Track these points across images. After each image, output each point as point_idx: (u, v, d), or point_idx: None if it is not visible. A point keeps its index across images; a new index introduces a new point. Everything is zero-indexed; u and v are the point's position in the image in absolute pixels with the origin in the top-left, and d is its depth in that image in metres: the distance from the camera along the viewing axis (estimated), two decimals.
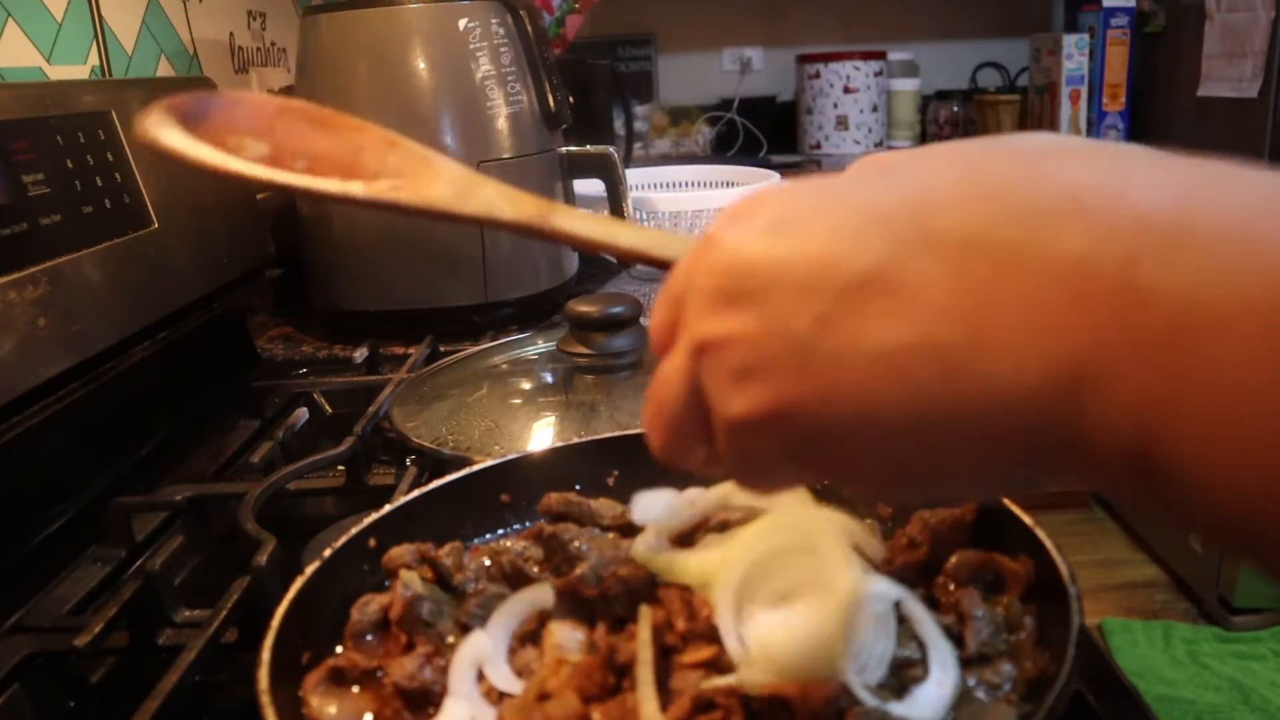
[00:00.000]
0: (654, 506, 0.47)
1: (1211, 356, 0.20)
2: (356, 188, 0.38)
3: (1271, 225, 0.20)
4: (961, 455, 0.25)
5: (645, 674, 0.38)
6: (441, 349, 1.02)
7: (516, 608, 0.44)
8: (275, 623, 0.41)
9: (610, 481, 0.58)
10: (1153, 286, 0.21)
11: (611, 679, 0.40)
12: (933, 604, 0.43)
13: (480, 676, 0.41)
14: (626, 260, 0.37)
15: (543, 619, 0.44)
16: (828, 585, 0.39)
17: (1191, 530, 0.23)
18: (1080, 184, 0.23)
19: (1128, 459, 0.22)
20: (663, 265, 0.36)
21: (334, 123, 0.41)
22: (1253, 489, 0.19)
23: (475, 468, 0.55)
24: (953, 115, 2.73)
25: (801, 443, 0.27)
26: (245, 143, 0.39)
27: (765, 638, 0.38)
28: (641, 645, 0.40)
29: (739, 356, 0.27)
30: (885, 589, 0.40)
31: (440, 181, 0.39)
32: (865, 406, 0.25)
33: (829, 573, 0.41)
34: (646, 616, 0.41)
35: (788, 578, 0.41)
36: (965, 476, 0.27)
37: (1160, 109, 2.39)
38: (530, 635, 0.43)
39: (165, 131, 0.39)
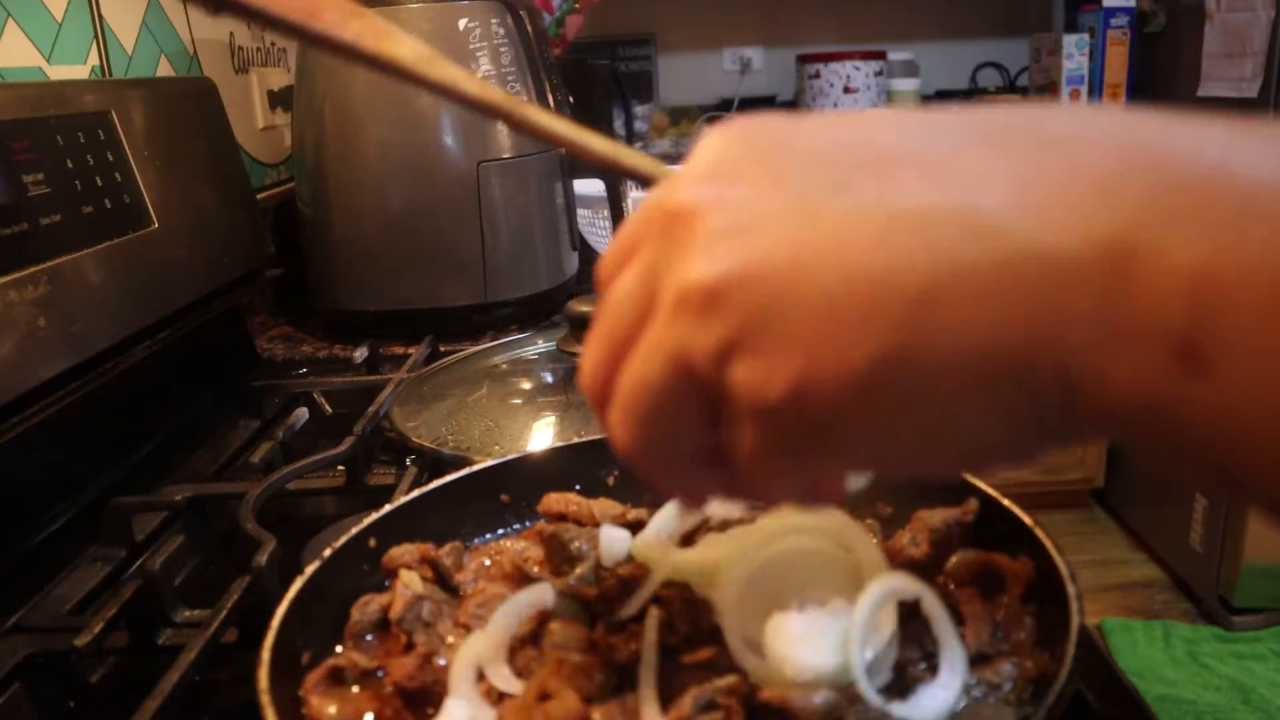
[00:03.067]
0: (617, 541, 0.47)
1: (1269, 222, 0.19)
2: (316, 23, 0.36)
3: None
4: (954, 345, 0.21)
5: (648, 675, 0.38)
6: (441, 349, 1.02)
7: (516, 608, 0.44)
8: (275, 623, 0.41)
9: (610, 481, 0.58)
10: (1205, 157, 0.20)
11: (612, 679, 0.40)
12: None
13: (480, 676, 0.41)
14: (595, 165, 0.36)
15: (543, 619, 0.44)
16: (853, 592, 0.39)
17: (1220, 468, 0.21)
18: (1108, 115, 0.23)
19: (1174, 342, 0.20)
20: (636, 177, 0.35)
21: None
22: None
23: (475, 468, 0.55)
24: None
25: (765, 319, 0.22)
26: None
27: (781, 641, 0.38)
28: (647, 647, 0.40)
29: (717, 219, 0.23)
30: (906, 585, 0.40)
31: (403, 48, 0.38)
32: (859, 270, 0.22)
33: (856, 578, 0.41)
34: (654, 619, 0.41)
35: (805, 580, 0.41)
36: (949, 387, 0.22)
37: (1160, 109, 2.39)
38: (530, 635, 0.43)
39: None
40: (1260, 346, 0.19)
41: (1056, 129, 0.22)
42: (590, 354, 0.27)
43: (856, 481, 0.37)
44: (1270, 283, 0.18)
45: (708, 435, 0.26)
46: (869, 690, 0.36)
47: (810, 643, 0.38)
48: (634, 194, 1.21)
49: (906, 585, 0.40)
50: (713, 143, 0.25)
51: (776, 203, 0.23)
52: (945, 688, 0.38)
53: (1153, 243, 0.20)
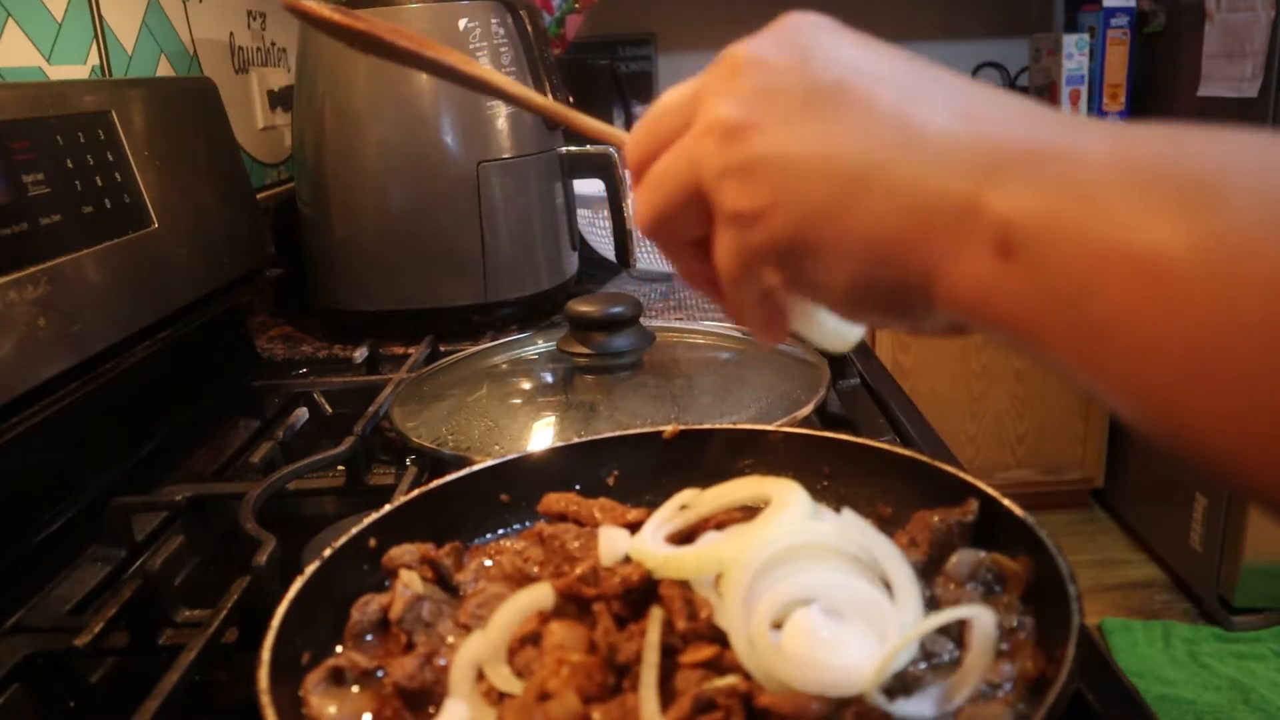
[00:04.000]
0: (617, 541, 0.47)
1: (1080, 173, 0.28)
2: (432, 53, 0.49)
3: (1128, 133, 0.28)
4: (866, 216, 0.31)
5: (649, 675, 0.38)
6: (441, 349, 1.02)
7: (516, 608, 0.44)
8: (275, 623, 0.41)
9: (610, 481, 0.58)
10: (1073, 135, 0.29)
11: (611, 679, 0.40)
12: (933, 604, 0.44)
13: (480, 676, 0.41)
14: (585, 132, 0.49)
15: (543, 619, 0.44)
16: (884, 612, 0.39)
17: (1032, 345, 0.29)
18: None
19: (995, 238, 0.28)
20: (615, 142, 0.44)
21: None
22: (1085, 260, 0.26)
23: (475, 468, 0.55)
24: None
25: (757, 158, 0.32)
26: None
27: (804, 641, 0.38)
28: (649, 648, 0.39)
29: (756, 78, 0.33)
30: (973, 611, 0.40)
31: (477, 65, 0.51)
32: (829, 148, 0.31)
33: (869, 575, 0.41)
34: (657, 619, 0.41)
35: (814, 579, 0.41)
36: (856, 247, 0.31)
37: (1160, 109, 2.39)
38: (530, 635, 0.43)
39: None
40: (1051, 244, 0.27)
41: (993, 94, 0.31)
42: (636, 134, 0.38)
43: (847, 333, 0.42)
44: (1050, 205, 0.28)
45: (702, 229, 0.36)
46: (877, 696, 0.36)
47: (838, 646, 0.38)
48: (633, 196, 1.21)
49: (971, 611, 0.40)
50: (781, 22, 0.35)
51: (796, 83, 0.33)
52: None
53: (997, 190, 0.29)
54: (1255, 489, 0.25)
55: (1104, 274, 0.26)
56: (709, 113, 0.34)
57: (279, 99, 1.37)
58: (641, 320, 0.81)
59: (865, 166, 0.31)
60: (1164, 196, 0.25)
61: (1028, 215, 0.28)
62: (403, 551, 0.48)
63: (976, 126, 0.30)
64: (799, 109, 0.32)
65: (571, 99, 1.19)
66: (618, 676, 0.40)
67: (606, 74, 1.82)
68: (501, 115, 1.12)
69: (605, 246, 1.37)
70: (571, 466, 0.57)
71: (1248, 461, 0.25)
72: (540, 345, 0.89)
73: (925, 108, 0.31)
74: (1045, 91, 2.50)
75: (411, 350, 1.00)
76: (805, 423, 0.69)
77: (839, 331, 0.42)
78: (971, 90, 0.32)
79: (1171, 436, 0.26)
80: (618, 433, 0.59)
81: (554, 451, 0.58)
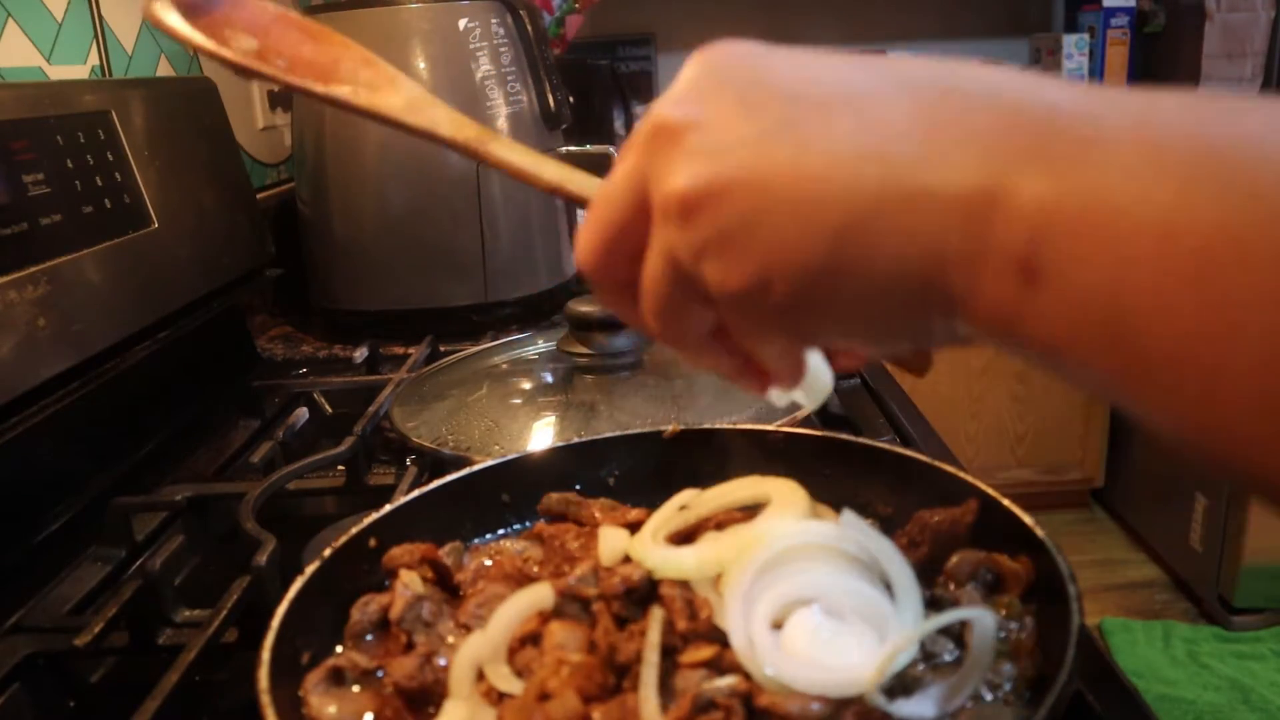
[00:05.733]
0: (617, 541, 0.47)
1: (1096, 169, 0.24)
2: (317, 86, 0.43)
3: (1148, 105, 0.25)
4: (872, 264, 0.27)
5: (649, 675, 0.38)
6: (441, 349, 1.02)
7: (516, 608, 0.44)
8: (275, 623, 0.41)
9: (610, 481, 0.58)
10: (1067, 120, 0.26)
11: (611, 679, 0.40)
12: (933, 604, 0.43)
13: (480, 676, 0.41)
14: (550, 193, 0.42)
15: (543, 619, 0.44)
16: (884, 613, 0.39)
17: (1063, 369, 0.26)
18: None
19: (1017, 261, 0.25)
20: (579, 201, 0.40)
21: (321, 35, 0.46)
22: (1109, 275, 0.24)
23: (475, 468, 0.55)
24: None
25: (732, 228, 0.28)
26: (238, 36, 0.43)
27: (805, 641, 0.38)
28: (649, 647, 0.39)
29: (697, 138, 0.29)
30: (971, 612, 0.40)
31: (397, 95, 0.43)
32: (805, 196, 0.28)
33: (868, 575, 0.41)
34: (657, 619, 0.41)
35: (814, 578, 0.41)
36: (869, 295, 0.28)
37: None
38: (530, 635, 0.43)
39: (166, 13, 0.43)
40: (1078, 259, 0.24)
41: (960, 84, 0.28)
42: (585, 237, 0.33)
43: (825, 382, 0.40)
44: (1075, 215, 0.24)
45: (711, 316, 0.32)
46: (877, 694, 0.36)
47: (839, 647, 0.38)
48: None
49: (971, 612, 0.40)
50: (693, 69, 0.31)
51: (742, 131, 0.29)
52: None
53: (1006, 188, 0.25)
54: None
55: (1144, 288, 0.23)
56: (658, 193, 0.30)
57: (279, 99, 1.37)
58: None
59: (850, 212, 0.27)
60: (1207, 185, 0.23)
61: (1044, 234, 0.25)
62: (403, 551, 0.48)
63: (958, 133, 0.27)
64: (753, 162, 0.28)
65: (572, 99, 1.19)
66: (618, 676, 0.40)
67: (606, 74, 1.82)
68: (501, 115, 1.12)
69: None
70: (571, 466, 0.57)
71: None
72: (540, 345, 0.89)
73: (892, 126, 0.27)
74: None
75: (411, 350, 1.00)
76: (805, 423, 0.69)
77: (819, 380, 0.39)
78: (933, 84, 0.28)
79: (1229, 461, 0.23)
80: (618, 433, 0.59)
81: (554, 451, 0.58)
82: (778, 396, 0.39)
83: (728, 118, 0.29)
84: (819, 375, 0.39)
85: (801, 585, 0.41)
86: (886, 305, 0.28)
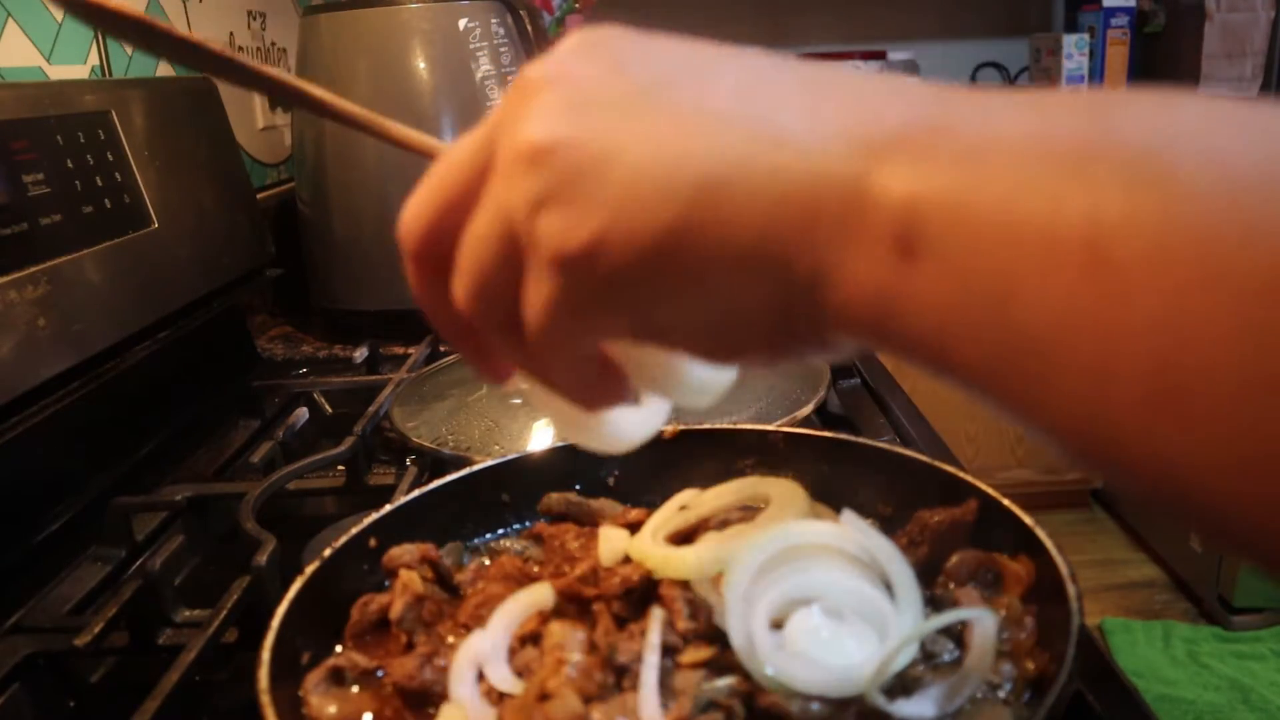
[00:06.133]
0: (617, 541, 0.47)
1: (975, 140, 0.23)
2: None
3: (1036, 101, 0.24)
4: (727, 231, 0.25)
5: (649, 675, 0.38)
6: (441, 349, 1.02)
7: (516, 608, 0.44)
8: (275, 623, 0.41)
9: (610, 481, 0.58)
10: (959, 110, 0.24)
11: (611, 679, 0.40)
12: (933, 604, 0.44)
13: (480, 676, 0.41)
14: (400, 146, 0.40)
15: (543, 619, 0.44)
16: (884, 612, 0.39)
17: (940, 364, 0.24)
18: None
19: (893, 233, 0.23)
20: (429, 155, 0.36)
21: None
22: (991, 256, 0.22)
23: (475, 468, 0.55)
24: None
25: (578, 178, 0.25)
26: None
27: (806, 640, 0.38)
28: (649, 648, 0.39)
29: (561, 91, 0.26)
30: (971, 613, 0.40)
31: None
32: (665, 150, 0.25)
33: (869, 576, 0.41)
34: (658, 619, 0.41)
35: (814, 578, 0.41)
36: (719, 270, 0.25)
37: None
38: (530, 635, 0.43)
39: None
40: (960, 234, 0.22)
41: (855, 78, 0.26)
42: (413, 203, 0.30)
43: (711, 382, 0.34)
44: (954, 194, 0.23)
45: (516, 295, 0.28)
46: (878, 696, 0.36)
47: (839, 647, 0.38)
48: None
49: (971, 613, 0.40)
50: (572, 37, 0.28)
51: (612, 89, 0.26)
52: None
53: (887, 168, 0.24)
54: (1252, 541, 0.20)
55: (1033, 267, 0.21)
56: (504, 145, 0.27)
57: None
58: None
59: (716, 165, 0.25)
60: (1100, 171, 0.21)
61: (930, 199, 0.23)
62: (403, 551, 0.48)
63: (844, 105, 0.25)
64: (620, 115, 0.26)
65: None
66: (618, 676, 0.40)
67: None
68: None
69: None
70: (571, 466, 0.57)
71: (1242, 510, 0.19)
72: None
73: (774, 91, 0.26)
74: None
75: (411, 350, 1.00)
76: (805, 423, 0.69)
77: (701, 382, 0.33)
78: (828, 72, 0.26)
79: (1134, 476, 0.21)
80: None
81: (554, 451, 0.58)
82: (630, 421, 0.36)
83: (599, 75, 0.27)
84: (684, 372, 0.33)
85: (801, 585, 0.41)
86: (738, 286, 0.25)
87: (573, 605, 0.44)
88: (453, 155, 0.29)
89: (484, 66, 1.10)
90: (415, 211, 0.30)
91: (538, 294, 0.27)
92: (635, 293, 0.26)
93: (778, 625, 0.40)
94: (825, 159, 0.24)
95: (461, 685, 0.40)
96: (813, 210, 0.24)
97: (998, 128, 0.23)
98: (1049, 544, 0.42)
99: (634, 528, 0.49)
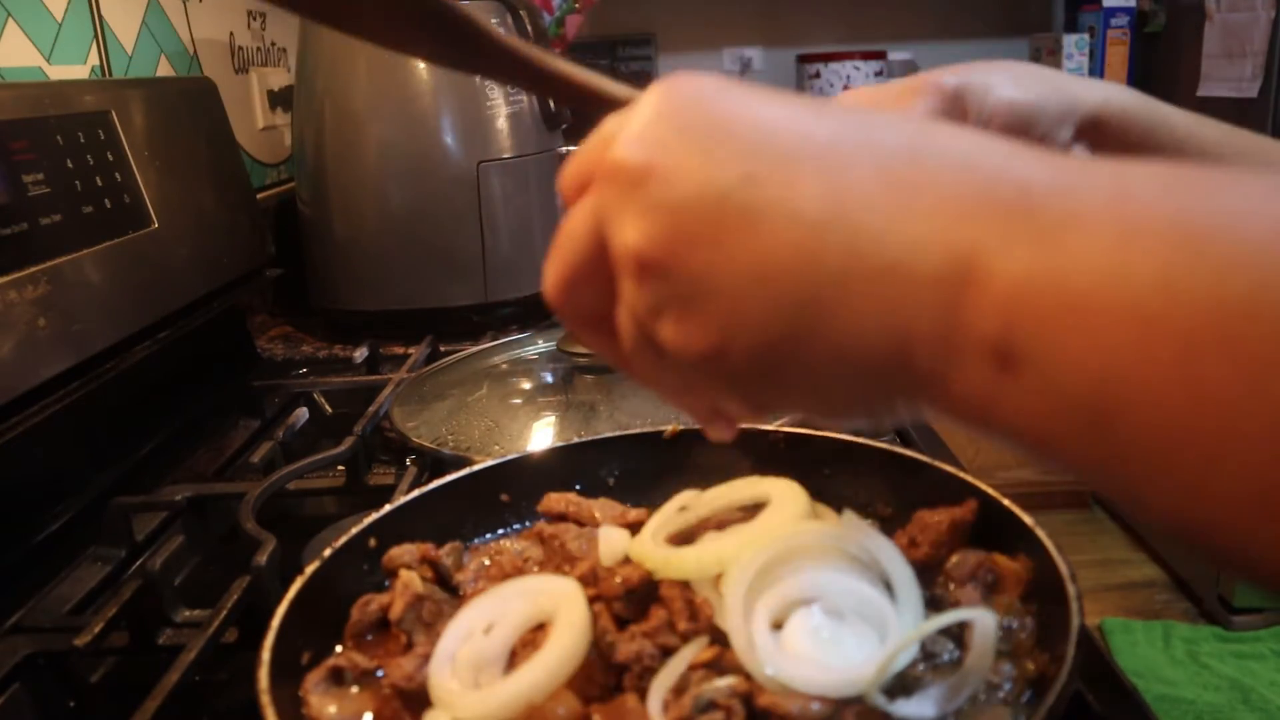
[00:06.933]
0: (617, 541, 0.47)
1: (1074, 248, 0.23)
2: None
3: (1122, 172, 0.24)
4: (834, 339, 0.26)
5: (649, 676, 0.38)
6: (441, 349, 1.02)
7: (522, 615, 0.44)
8: (275, 623, 0.41)
9: (610, 481, 0.58)
10: (1042, 196, 0.24)
11: (611, 679, 0.40)
12: (933, 604, 0.43)
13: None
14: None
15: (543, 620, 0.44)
16: (884, 612, 0.39)
17: (1028, 443, 0.25)
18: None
19: (990, 345, 0.24)
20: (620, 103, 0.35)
21: None
22: (1092, 364, 0.22)
23: (475, 468, 0.55)
24: None
25: (688, 293, 0.27)
26: None
27: (806, 640, 0.38)
28: (648, 648, 0.40)
29: (654, 189, 0.28)
30: (972, 613, 0.40)
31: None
32: (766, 263, 0.26)
33: (870, 576, 0.41)
34: (654, 619, 0.41)
35: (814, 578, 0.41)
36: (830, 370, 0.27)
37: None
38: (530, 636, 0.43)
39: None
40: (1055, 345, 0.23)
41: (929, 151, 0.26)
42: (551, 274, 0.32)
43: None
44: (1053, 295, 0.23)
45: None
46: (878, 696, 0.36)
47: (839, 647, 0.38)
48: None
49: (972, 613, 0.40)
50: (652, 104, 0.29)
51: (701, 185, 0.27)
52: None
53: (978, 267, 0.24)
54: None
55: (1124, 373, 0.21)
56: (616, 243, 0.29)
57: (279, 99, 1.37)
58: None
59: (814, 284, 0.26)
60: (1178, 270, 0.21)
61: (1019, 317, 0.23)
62: (403, 551, 0.48)
63: (930, 203, 0.25)
64: (712, 221, 0.27)
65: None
66: (618, 676, 0.40)
67: (606, 74, 1.82)
68: (501, 115, 1.12)
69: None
70: (571, 466, 0.57)
71: None
72: (540, 345, 0.89)
73: (860, 189, 0.26)
74: None
75: (411, 350, 1.00)
76: (806, 423, 0.69)
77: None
78: (901, 149, 0.27)
79: (1223, 552, 0.22)
80: (618, 433, 0.59)
81: (554, 451, 0.58)
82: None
83: (686, 167, 0.27)
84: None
85: (801, 585, 0.41)
86: (847, 382, 0.27)
87: None
88: (570, 233, 0.31)
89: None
90: (552, 285, 0.32)
91: (675, 377, 0.31)
92: (747, 386, 0.29)
93: (778, 625, 0.40)
94: (919, 270, 0.25)
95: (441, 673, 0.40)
96: (910, 322, 0.25)
97: (1085, 225, 0.23)
98: (1049, 544, 0.42)
99: (634, 528, 0.49)
